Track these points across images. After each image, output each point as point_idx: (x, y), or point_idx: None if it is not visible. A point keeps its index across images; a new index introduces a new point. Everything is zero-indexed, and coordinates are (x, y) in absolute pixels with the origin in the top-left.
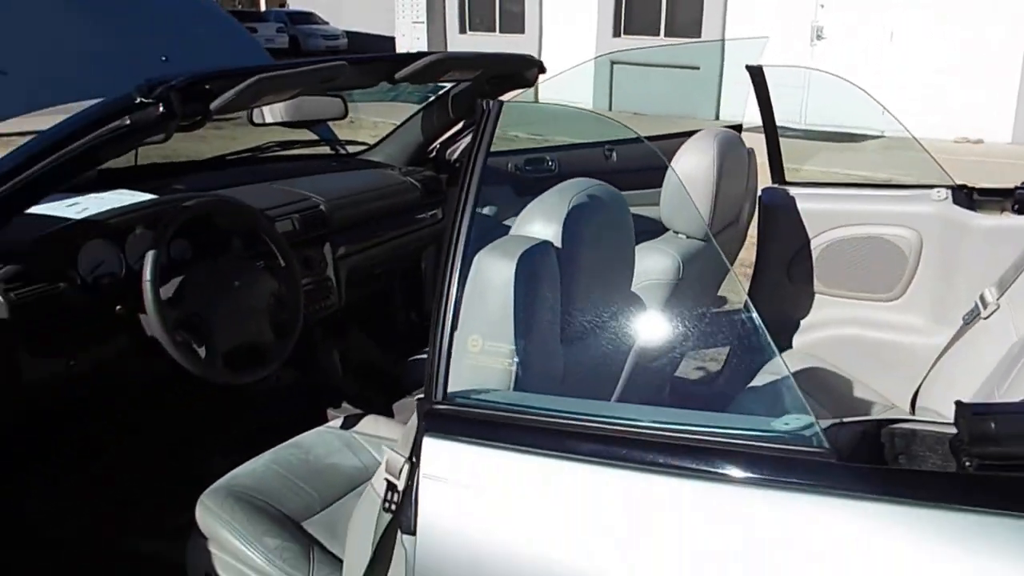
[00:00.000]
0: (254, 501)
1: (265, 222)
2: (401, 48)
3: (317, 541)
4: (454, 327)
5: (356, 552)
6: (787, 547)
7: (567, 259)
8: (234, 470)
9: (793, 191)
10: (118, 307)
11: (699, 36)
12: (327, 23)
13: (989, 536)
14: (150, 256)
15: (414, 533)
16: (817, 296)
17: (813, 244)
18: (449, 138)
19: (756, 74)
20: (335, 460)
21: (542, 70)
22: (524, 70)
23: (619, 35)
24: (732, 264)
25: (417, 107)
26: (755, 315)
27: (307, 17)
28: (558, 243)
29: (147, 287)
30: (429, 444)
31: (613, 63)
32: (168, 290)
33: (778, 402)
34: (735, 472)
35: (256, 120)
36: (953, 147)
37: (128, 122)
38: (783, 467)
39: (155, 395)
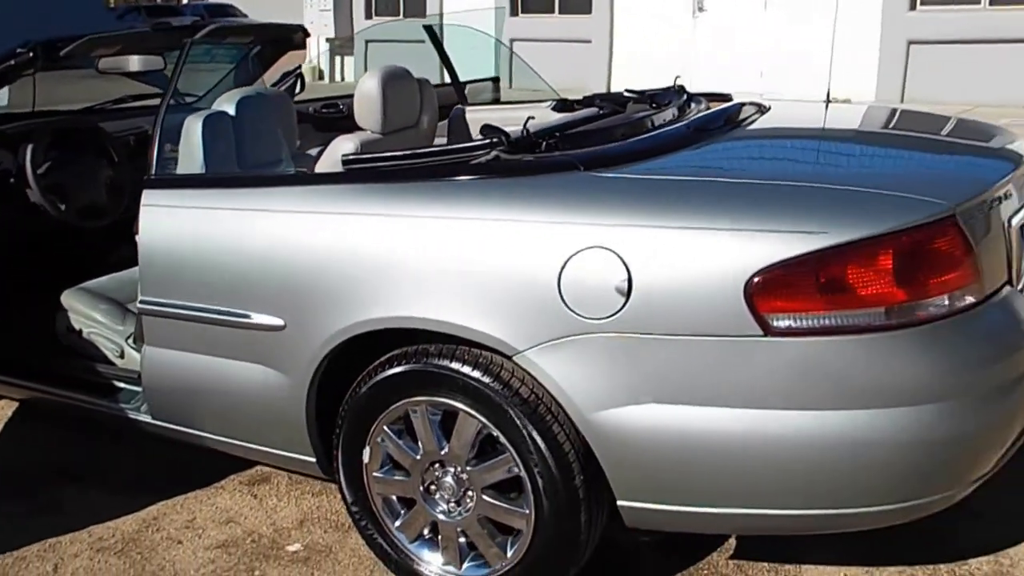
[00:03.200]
0: (94, 291)
1: (107, 136)
2: (313, 34)
3: (130, 310)
4: (162, 143)
5: None
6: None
7: (237, 123)
8: (85, 282)
9: (467, 108)
10: (11, 180)
11: (590, 13)
12: (246, 15)
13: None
14: (29, 149)
15: (137, 233)
16: None
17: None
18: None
19: (431, 33)
20: None
21: (307, 34)
22: (291, 35)
23: (516, 14)
24: None
25: (230, 66)
26: None
27: (224, 9)
28: (232, 113)
29: (28, 167)
30: (145, 193)
31: (513, 41)
32: (42, 171)
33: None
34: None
35: (102, 68)
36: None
37: (12, 62)
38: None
39: (41, 240)
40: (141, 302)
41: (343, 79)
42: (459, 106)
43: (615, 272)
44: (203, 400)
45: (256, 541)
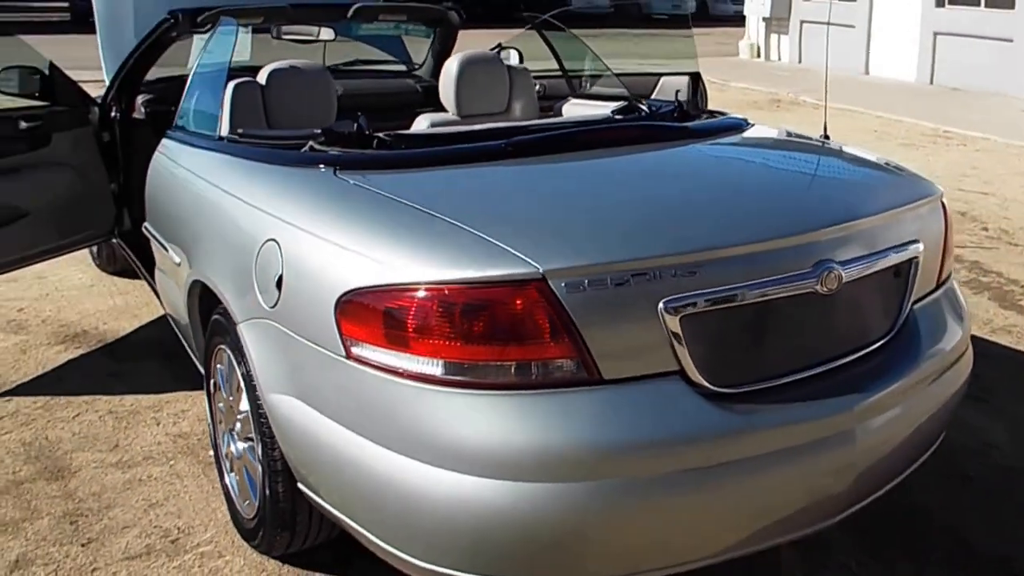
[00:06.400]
0: None
1: None
2: (751, 12)
3: None
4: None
5: None
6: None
7: (267, 91)
8: None
9: (571, 100)
10: None
11: (1013, 8)
12: None
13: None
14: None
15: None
16: None
17: None
18: None
19: (540, 31)
20: None
21: (460, 15)
22: (444, 15)
23: (942, 5)
24: None
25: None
26: None
27: None
28: (262, 83)
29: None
30: (162, 142)
31: (936, 34)
32: None
33: None
34: None
35: (275, 36)
36: None
37: (162, 27)
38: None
39: None
40: (145, 227)
41: (779, 58)
42: (568, 97)
43: (277, 266)
44: (175, 314)
45: (199, 440)
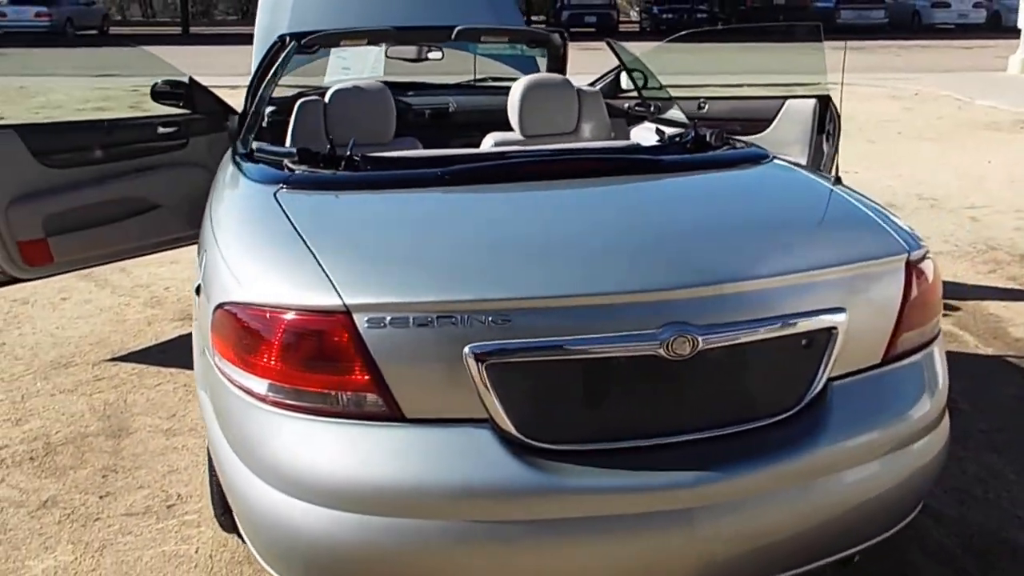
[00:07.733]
0: None
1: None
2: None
3: None
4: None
5: None
6: None
7: (330, 106)
8: None
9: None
10: None
11: None
12: None
13: None
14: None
15: None
16: None
17: None
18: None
19: (612, 48)
20: None
21: (563, 38)
22: (549, 37)
23: None
24: None
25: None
26: None
27: None
28: (326, 101)
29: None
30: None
31: None
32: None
33: None
34: None
35: (389, 55)
36: None
37: (274, 50)
38: None
39: None
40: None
41: None
42: (643, 120)
43: (201, 275)
44: None
45: None
